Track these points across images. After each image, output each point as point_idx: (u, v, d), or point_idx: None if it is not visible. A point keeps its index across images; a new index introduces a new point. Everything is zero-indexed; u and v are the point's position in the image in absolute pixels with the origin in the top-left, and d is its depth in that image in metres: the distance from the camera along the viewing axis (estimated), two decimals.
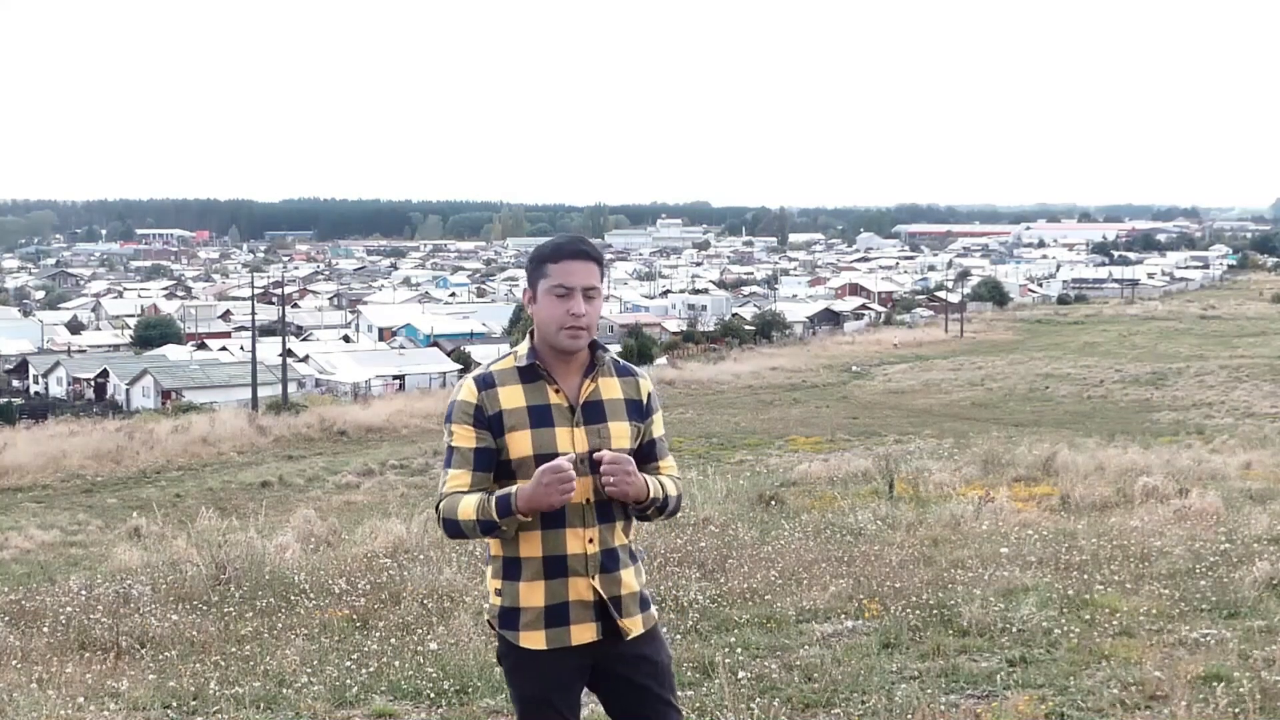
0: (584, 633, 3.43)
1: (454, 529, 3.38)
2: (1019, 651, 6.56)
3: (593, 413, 3.45)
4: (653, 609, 3.58)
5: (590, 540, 3.42)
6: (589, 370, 3.49)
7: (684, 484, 3.67)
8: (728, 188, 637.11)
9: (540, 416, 3.40)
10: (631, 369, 3.60)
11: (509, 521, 3.31)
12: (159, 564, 10.93)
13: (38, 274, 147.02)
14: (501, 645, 3.50)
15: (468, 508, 3.34)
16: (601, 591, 3.43)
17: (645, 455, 3.54)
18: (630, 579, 3.49)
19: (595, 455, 3.37)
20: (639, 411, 3.53)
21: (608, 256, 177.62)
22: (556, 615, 3.41)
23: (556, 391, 3.43)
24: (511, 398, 3.41)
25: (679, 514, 3.68)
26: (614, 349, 64.17)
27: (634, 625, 3.48)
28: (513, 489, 3.31)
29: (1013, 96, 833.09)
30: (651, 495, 3.41)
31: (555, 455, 3.36)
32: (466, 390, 3.44)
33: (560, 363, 3.46)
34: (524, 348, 3.48)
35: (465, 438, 3.41)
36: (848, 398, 56.70)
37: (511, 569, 3.44)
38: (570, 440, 3.40)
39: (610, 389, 3.50)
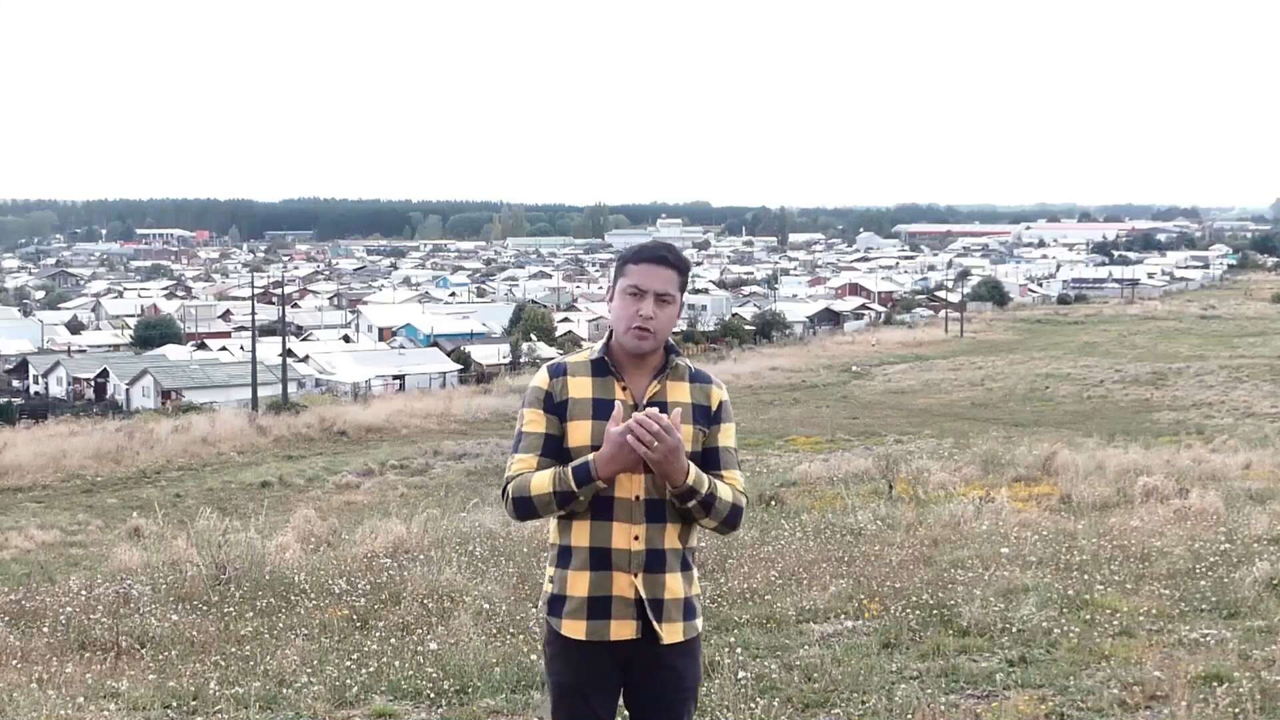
0: (623, 629, 3.44)
1: (526, 507, 3.42)
2: (1019, 651, 6.56)
3: None
4: (698, 620, 3.55)
5: (636, 537, 3.43)
6: (659, 373, 3.52)
7: (747, 501, 3.59)
8: (728, 188, 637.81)
9: (603, 410, 3.43)
10: (707, 376, 3.60)
11: (587, 489, 3.35)
12: (159, 564, 10.92)
13: (38, 274, 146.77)
14: (545, 632, 3.54)
15: (541, 482, 3.39)
16: (642, 591, 3.43)
17: (708, 462, 3.53)
18: (676, 584, 3.48)
19: (641, 413, 3.32)
20: (706, 417, 3.53)
21: (607, 256, 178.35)
22: (599, 608, 3.44)
23: (624, 389, 3.48)
24: (580, 388, 3.48)
25: (736, 529, 3.59)
26: None
27: (673, 632, 3.47)
28: (590, 456, 3.35)
29: (1012, 96, 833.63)
30: (690, 482, 3.37)
31: None
32: (540, 377, 3.53)
33: (632, 362, 3.51)
34: (600, 344, 3.56)
35: (535, 422, 3.48)
36: (848, 398, 56.68)
37: (564, 557, 3.48)
38: None
39: (678, 392, 3.52)
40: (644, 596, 3.43)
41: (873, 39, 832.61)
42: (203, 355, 65.63)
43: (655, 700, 3.50)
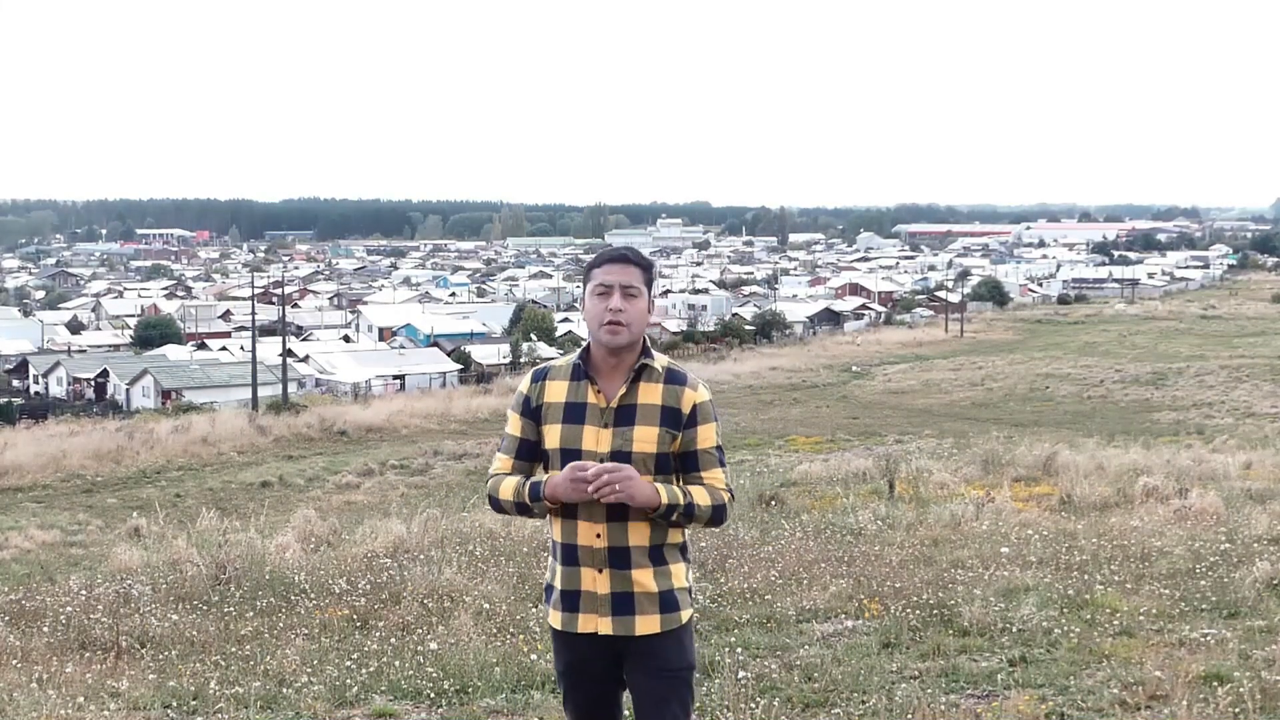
0: (589, 623, 3.57)
1: (496, 506, 3.69)
2: (1019, 651, 6.56)
3: (624, 415, 3.56)
4: (681, 612, 3.61)
5: (599, 535, 3.54)
6: (635, 376, 3.59)
7: (731, 496, 3.66)
8: (728, 188, 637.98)
9: (573, 414, 3.57)
10: (683, 378, 3.64)
11: (539, 506, 3.57)
12: (159, 564, 10.91)
13: (38, 274, 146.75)
14: None
15: (507, 489, 3.63)
16: (607, 586, 3.54)
17: (687, 465, 3.62)
18: (647, 578, 3.56)
19: (579, 467, 3.49)
20: (676, 420, 3.58)
21: None
22: (570, 600, 3.59)
23: (597, 392, 3.58)
24: (556, 392, 3.62)
25: (725, 522, 3.72)
26: None
27: (647, 624, 3.55)
28: (544, 477, 3.55)
29: (1012, 96, 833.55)
30: (664, 502, 3.50)
31: (579, 452, 3.53)
32: (524, 382, 3.70)
33: (607, 365, 3.61)
34: (581, 349, 3.67)
35: (514, 426, 3.67)
36: (848, 398, 56.67)
37: (553, 550, 3.67)
38: (595, 439, 3.54)
39: (649, 394, 3.58)
40: (609, 591, 3.54)
41: (872, 39, 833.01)
42: (203, 355, 65.62)
43: (644, 689, 3.58)
